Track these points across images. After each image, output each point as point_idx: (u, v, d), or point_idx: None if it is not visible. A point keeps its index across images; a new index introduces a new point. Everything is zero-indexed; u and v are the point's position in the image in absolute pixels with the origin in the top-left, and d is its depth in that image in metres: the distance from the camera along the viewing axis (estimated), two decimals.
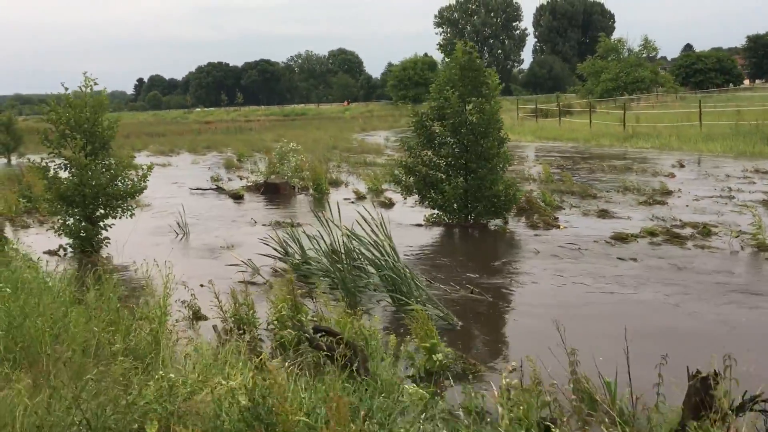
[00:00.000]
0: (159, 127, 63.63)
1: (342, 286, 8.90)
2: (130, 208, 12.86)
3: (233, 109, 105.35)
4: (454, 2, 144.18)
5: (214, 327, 7.78)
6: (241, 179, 24.15)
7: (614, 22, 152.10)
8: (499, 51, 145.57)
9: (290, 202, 18.83)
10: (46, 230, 14.74)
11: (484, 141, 12.87)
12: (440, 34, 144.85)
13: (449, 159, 13.29)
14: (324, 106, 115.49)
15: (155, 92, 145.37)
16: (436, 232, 13.59)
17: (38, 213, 17.34)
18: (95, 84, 12.58)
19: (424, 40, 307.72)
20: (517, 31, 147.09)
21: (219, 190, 20.83)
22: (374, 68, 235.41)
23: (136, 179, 12.93)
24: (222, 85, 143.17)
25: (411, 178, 13.59)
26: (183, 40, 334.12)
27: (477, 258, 11.30)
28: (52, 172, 12.68)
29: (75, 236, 12.47)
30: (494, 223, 13.56)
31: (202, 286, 8.52)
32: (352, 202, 17.72)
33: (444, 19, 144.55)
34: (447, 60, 13.35)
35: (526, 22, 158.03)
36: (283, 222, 14.99)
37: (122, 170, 12.67)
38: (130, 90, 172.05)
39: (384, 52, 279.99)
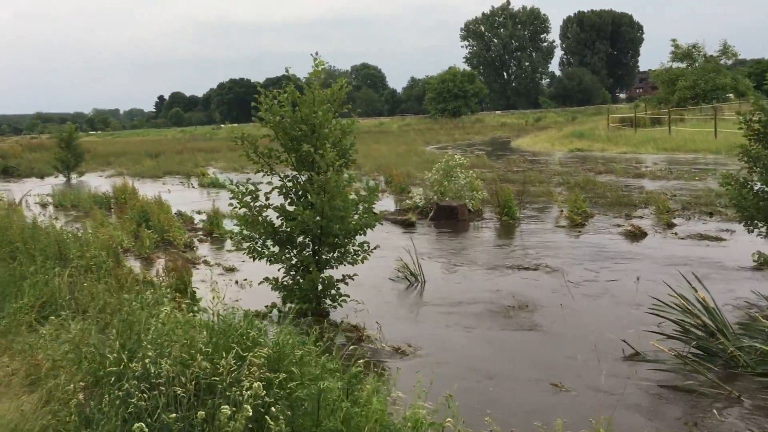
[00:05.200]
0: (204, 144, 59.69)
1: None
2: (366, 248, 8.79)
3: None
4: (481, 15, 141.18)
5: None
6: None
7: (642, 33, 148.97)
8: (527, 63, 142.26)
9: (475, 230, 14.78)
10: (223, 274, 10.77)
11: None
12: (466, 47, 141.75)
13: None
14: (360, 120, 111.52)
15: (177, 109, 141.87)
16: None
17: (172, 247, 13.34)
18: (324, 69, 8.61)
19: (447, 54, 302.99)
20: (545, 44, 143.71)
21: None
22: (396, 83, 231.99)
23: (361, 207, 8.92)
24: (244, 101, 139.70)
25: (758, 202, 9.51)
26: (197, 59, 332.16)
27: None
28: (262, 198, 8.72)
29: (302, 294, 8.42)
30: None
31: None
32: (575, 234, 13.66)
33: (470, 32, 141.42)
34: None
35: (554, 35, 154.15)
36: (519, 265, 11.01)
37: (370, 196, 8.67)
38: (147, 107, 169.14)
39: (406, 66, 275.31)
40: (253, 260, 8.94)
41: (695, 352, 6.52)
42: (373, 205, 9.12)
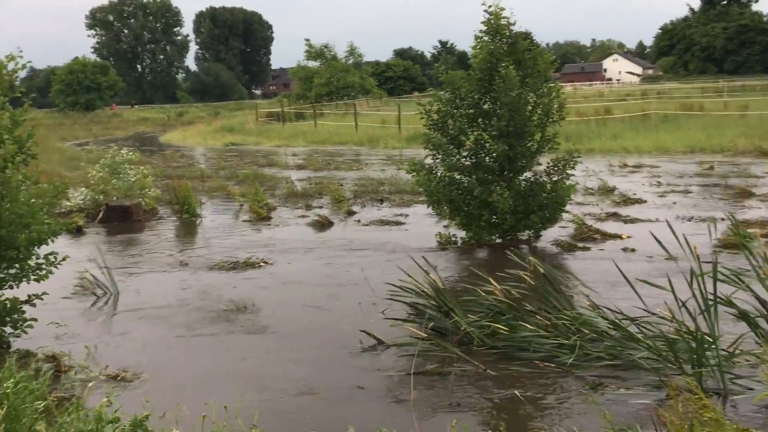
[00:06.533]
0: None
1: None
2: (53, 260, 7.31)
3: None
4: (108, 3, 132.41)
5: None
6: None
7: (272, 32, 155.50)
8: (162, 57, 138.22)
9: (155, 231, 13.61)
10: None
11: (542, 133, 10.27)
12: (94, 37, 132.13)
13: (490, 159, 10.32)
14: None
15: None
16: (467, 258, 10.53)
17: None
18: None
19: (72, 43, 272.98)
20: (179, 37, 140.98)
21: None
22: None
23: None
24: None
25: (443, 187, 10.28)
26: None
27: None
28: None
29: None
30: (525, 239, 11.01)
31: None
32: (264, 228, 13.40)
33: (97, 20, 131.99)
34: (481, 32, 10.33)
35: (188, 29, 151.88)
36: (227, 261, 10.46)
37: (57, 196, 7.20)
38: None
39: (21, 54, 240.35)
40: None
41: (431, 333, 6.72)
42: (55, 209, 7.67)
